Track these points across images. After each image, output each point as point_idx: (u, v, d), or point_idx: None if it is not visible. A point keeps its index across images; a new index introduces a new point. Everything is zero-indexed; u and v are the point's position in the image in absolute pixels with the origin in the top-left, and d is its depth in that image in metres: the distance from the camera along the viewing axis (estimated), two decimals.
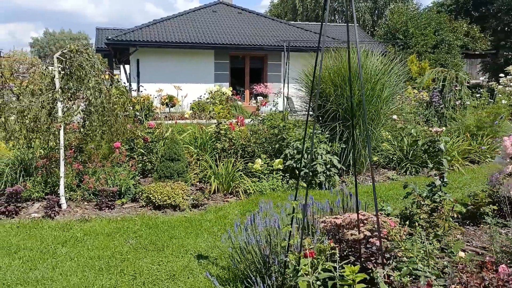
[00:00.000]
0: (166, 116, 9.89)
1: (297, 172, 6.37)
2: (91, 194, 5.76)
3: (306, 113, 8.61)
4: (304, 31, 21.35)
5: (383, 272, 2.44)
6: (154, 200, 5.46)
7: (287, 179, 6.51)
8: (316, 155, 6.45)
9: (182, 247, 4.25)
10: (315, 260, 2.75)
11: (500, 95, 9.39)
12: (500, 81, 15.21)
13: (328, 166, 6.48)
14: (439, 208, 4.17)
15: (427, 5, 37.71)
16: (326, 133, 6.85)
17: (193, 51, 19.01)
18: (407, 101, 8.96)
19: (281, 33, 20.76)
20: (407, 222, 3.82)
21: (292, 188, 6.39)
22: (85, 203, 5.69)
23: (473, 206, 4.95)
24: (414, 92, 10.13)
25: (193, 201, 5.63)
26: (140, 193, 5.78)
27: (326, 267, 2.76)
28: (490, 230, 4.58)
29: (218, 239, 4.44)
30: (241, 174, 6.34)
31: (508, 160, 4.90)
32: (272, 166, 6.64)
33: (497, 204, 4.44)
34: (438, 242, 3.72)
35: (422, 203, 4.42)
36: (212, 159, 6.79)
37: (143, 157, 7.01)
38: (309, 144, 6.48)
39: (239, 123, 7.16)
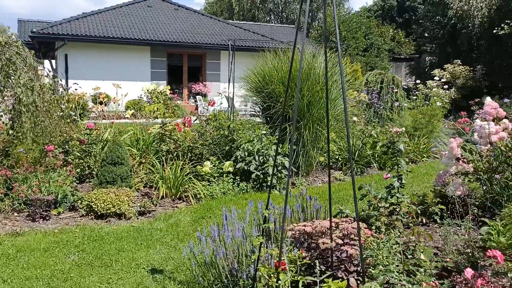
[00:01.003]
0: (99, 116, 9.26)
1: (257, 175, 6.19)
2: (22, 204, 5.16)
3: (250, 112, 8.48)
4: (243, 31, 21.26)
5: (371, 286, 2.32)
6: (96, 209, 5.00)
7: (238, 182, 6.31)
8: (268, 156, 6.31)
9: (133, 261, 3.89)
10: (291, 273, 2.57)
11: (435, 97, 9.92)
12: (427, 84, 16.16)
13: (279, 168, 6.37)
14: (397, 210, 4.19)
15: (356, 10, 39.29)
16: (276, 133, 6.74)
17: (128, 47, 18.17)
18: (350, 103, 9.16)
19: (219, 31, 20.50)
20: (365, 225, 3.79)
21: (243, 191, 6.20)
22: (16, 214, 5.08)
23: (422, 206, 5.08)
24: (354, 94, 10.40)
25: (139, 208, 5.24)
26: (79, 201, 5.27)
27: (299, 279, 2.60)
28: (440, 230, 4.72)
29: (172, 250, 4.13)
30: (190, 178, 6.03)
31: (454, 161, 5.08)
32: (222, 169, 6.40)
33: (450, 205, 4.56)
34: (399, 245, 3.72)
35: (379, 205, 4.44)
36: (158, 162, 6.40)
37: (80, 160, 6.45)
38: (260, 146, 6.34)
39: (186, 124, 6.82)
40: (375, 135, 4.38)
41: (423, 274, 3.02)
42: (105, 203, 4.99)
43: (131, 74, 18.04)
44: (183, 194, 5.89)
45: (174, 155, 6.65)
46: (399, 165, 3.83)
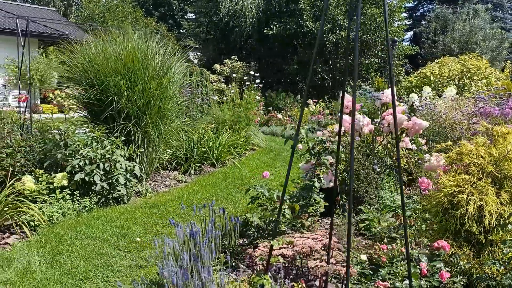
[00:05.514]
0: None
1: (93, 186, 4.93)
2: None
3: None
4: None
5: None
6: None
7: (77, 198, 4.96)
8: (114, 163, 5.18)
9: None
10: None
11: (253, 91, 10.26)
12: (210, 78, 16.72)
13: (128, 175, 5.33)
14: (314, 210, 4.02)
15: None
16: (117, 134, 5.61)
17: None
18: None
19: None
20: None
21: (87, 209, 4.92)
22: None
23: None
24: None
25: None
26: None
27: None
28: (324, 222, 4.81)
29: None
30: (19, 200, 4.36)
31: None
32: (53, 183, 4.90)
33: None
34: None
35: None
36: None
37: None
38: (104, 151, 5.17)
39: None
40: (305, 135, 4.02)
41: None
42: None
43: None
44: (14, 224, 4.23)
45: None
46: (323, 164, 3.65)
